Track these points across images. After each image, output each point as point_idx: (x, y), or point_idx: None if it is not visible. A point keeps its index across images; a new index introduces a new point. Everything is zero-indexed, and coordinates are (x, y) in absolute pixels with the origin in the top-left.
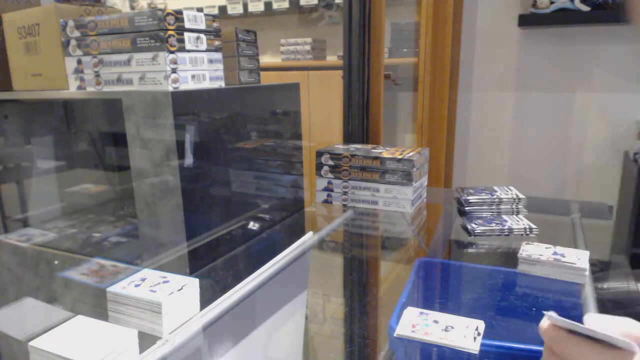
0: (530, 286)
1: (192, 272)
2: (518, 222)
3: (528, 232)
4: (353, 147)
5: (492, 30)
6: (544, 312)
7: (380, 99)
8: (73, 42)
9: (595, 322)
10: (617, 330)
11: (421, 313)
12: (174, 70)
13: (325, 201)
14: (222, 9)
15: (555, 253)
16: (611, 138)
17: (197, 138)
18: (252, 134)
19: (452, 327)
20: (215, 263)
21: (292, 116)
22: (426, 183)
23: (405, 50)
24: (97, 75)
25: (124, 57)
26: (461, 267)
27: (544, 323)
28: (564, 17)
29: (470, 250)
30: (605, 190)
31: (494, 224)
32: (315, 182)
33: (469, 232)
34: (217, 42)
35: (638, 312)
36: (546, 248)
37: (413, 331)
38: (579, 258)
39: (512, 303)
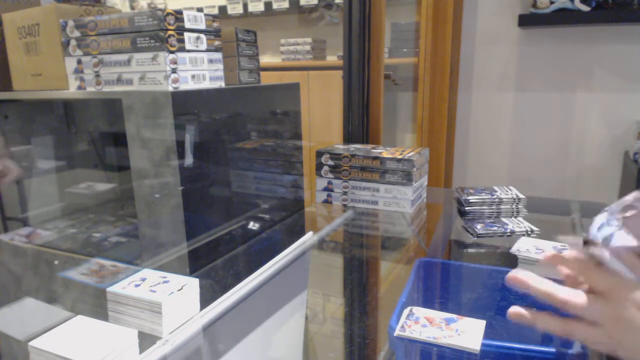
0: None
1: (192, 272)
2: (519, 225)
3: (529, 234)
4: (353, 147)
5: (492, 30)
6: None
7: (380, 99)
8: (73, 42)
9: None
10: None
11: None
12: (174, 70)
13: (325, 201)
14: (222, 9)
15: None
16: (611, 138)
17: (197, 138)
18: (252, 134)
19: (453, 327)
20: (215, 263)
21: (292, 116)
22: (426, 183)
23: (405, 50)
24: (97, 75)
25: (124, 57)
26: (461, 267)
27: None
28: (564, 17)
29: (470, 250)
30: (605, 190)
31: (495, 227)
32: (315, 182)
33: (472, 235)
34: (217, 42)
35: None
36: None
37: (413, 331)
38: None
39: (512, 303)
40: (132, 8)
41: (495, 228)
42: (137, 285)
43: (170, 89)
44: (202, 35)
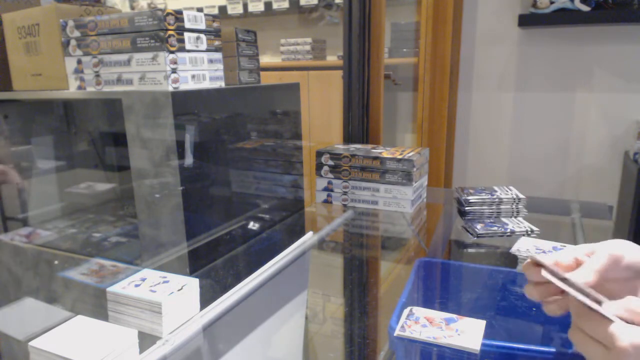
0: None
1: (192, 272)
2: (519, 225)
3: (529, 234)
4: (353, 147)
5: (492, 30)
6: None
7: (380, 99)
8: (73, 42)
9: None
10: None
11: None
12: (174, 70)
13: (325, 201)
14: (222, 9)
15: (555, 247)
16: (611, 138)
17: (197, 138)
18: (252, 134)
19: (453, 327)
20: (215, 263)
21: (292, 116)
22: (426, 183)
23: (405, 50)
24: (97, 75)
25: (124, 57)
26: (461, 267)
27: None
28: (563, 17)
29: (470, 250)
30: (605, 190)
31: (495, 227)
32: (315, 182)
33: (472, 235)
34: (217, 42)
35: None
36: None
37: (413, 331)
38: None
39: (512, 303)
40: (132, 8)
41: (495, 228)
42: (137, 285)
43: (170, 89)
44: (202, 35)
